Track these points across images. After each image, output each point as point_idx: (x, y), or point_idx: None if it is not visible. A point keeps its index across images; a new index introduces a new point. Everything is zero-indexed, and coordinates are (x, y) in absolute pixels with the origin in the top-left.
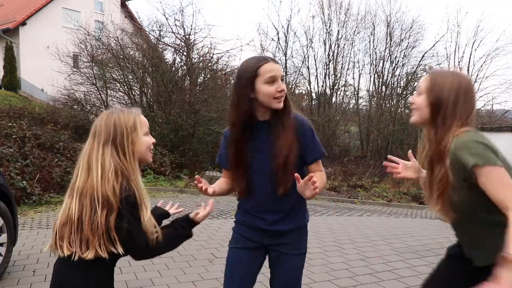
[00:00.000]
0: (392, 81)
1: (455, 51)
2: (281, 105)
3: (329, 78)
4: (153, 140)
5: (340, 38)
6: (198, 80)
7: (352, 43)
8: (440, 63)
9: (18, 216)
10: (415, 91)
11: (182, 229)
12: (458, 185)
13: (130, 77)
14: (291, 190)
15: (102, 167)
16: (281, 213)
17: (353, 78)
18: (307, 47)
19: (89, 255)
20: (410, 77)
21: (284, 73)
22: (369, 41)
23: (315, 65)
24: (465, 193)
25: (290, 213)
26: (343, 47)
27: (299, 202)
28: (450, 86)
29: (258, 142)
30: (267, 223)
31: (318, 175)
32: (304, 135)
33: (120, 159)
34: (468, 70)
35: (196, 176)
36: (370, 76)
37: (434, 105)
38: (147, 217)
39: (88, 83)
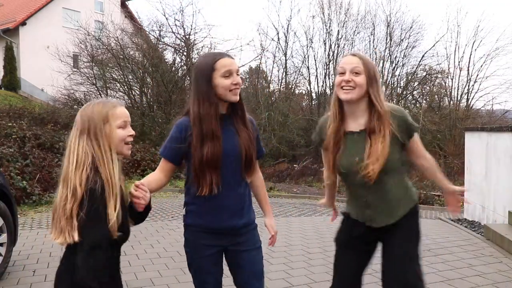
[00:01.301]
0: (392, 81)
1: (455, 51)
2: (237, 97)
3: (329, 78)
4: (130, 133)
5: (340, 38)
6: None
7: (352, 43)
8: (440, 63)
9: (18, 216)
10: (347, 73)
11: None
12: (398, 145)
13: (130, 77)
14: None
15: (76, 156)
16: (239, 208)
17: None
18: (307, 47)
19: (59, 240)
20: (410, 77)
21: (238, 67)
22: (369, 41)
23: (315, 65)
24: (399, 153)
25: (245, 208)
26: (343, 47)
27: (250, 198)
28: (374, 65)
29: (225, 135)
30: (227, 220)
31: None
32: (255, 131)
33: (94, 150)
34: (468, 70)
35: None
36: None
37: (372, 82)
38: (112, 213)
39: (88, 83)
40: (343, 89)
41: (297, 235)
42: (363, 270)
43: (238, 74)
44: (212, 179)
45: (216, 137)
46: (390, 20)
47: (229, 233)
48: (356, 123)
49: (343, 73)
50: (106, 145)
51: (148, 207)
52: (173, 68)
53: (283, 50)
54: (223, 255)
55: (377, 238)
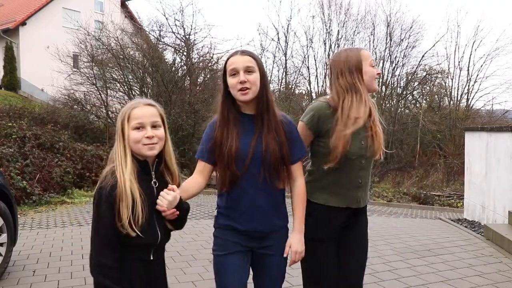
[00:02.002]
0: (392, 81)
1: (455, 51)
2: (245, 97)
3: (329, 78)
4: (147, 134)
5: (340, 38)
6: (198, 80)
7: (352, 43)
8: (440, 63)
9: (18, 216)
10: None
11: None
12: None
13: (130, 77)
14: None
15: (111, 154)
16: (268, 212)
17: None
18: (307, 47)
19: None
20: (410, 77)
21: (255, 64)
22: (369, 41)
23: (315, 65)
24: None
25: (275, 212)
26: (343, 47)
27: (283, 203)
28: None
29: (244, 136)
30: (254, 223)
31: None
32: (291, 133)
33: (117, 149)
34: (468, 70)
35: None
36: None
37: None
38: (124, 215)
39: (88, 83)
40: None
41: None
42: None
43: (249, 72)
44: (227, 177)
45: (231, 137)
46: (390, 20)
47: (256, 236)
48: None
49: (373, 66)
50: (121, 146)
51: (182, 212)
52: (173, 68)
53: (283, 50)
54: (250, 258)
55: (349, 223)
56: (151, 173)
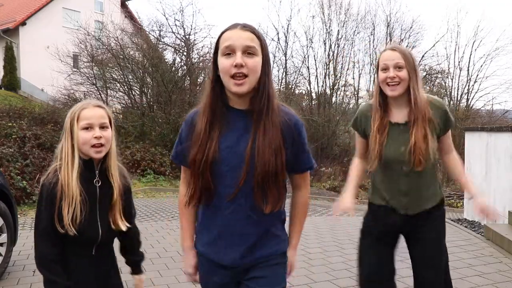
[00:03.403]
0: None
1: (455, 51)
2: (240, 88)
3: (329, 78)
4: (95, 135)
5: (340, 38)
6: (198, 80)
7: (352, 43)
8: (440, 63)
9: (18, 216)
10: (390, 69)
11: (58, 284)
12: (435, 135)
13: (130, 77)
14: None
15: (56, 152)
16: (250, 238)
17: (353, 78)
18: (307, 47)
19: None
20: None
21: (259, 47)
22: (369, 41)
23: (315, 65)
24: (435, 143)
25: (261, 238)
26: (343, 47)
27: (275, 225)
28: (412, 56)
29: (229, 137)
30: (230, 251)
31: (302, 209)
32: (299, 135)
33: (65, 148)
34: (468, 70)
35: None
36: (370, 76)
37: (413, 75)
38: (66, 213)
39: (88, 83)
40: (389, 85)
41: None
42: (393, 262)
43: (248, 54)
44: (196, 187)
45: (206, 137)
46: (390, 20)
47: (235, 268)
48: (400, 113)
49: (386, 69)
50: (69, 145)
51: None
52: (173, 68)
53: (283, 50)
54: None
55: (408, 229)
56: (95, 172)
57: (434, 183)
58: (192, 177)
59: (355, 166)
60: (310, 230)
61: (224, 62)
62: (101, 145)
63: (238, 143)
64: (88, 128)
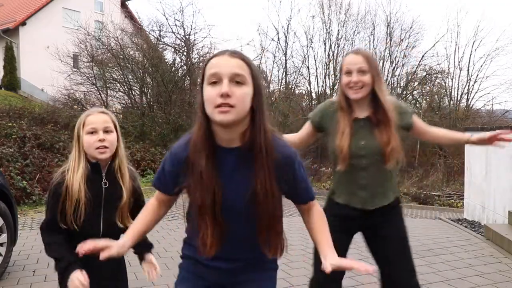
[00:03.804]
0: (392, 81)
1: (455, 51)
2: (224, 117)
3: (329, 78)
4: (99, 137)
5: (340, 38)
6: (198, 80)
7: (352, 43)
8: (440, 63)
9: (18, 216)
10: (354, 73)
11: (64, 258)
12: (399, 133)
13: (130, 77)
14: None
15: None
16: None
17: None
18: (307, 47)
19: None
20: (410, 77)
21: (249, 71)
22: (369, 41)
23: (315, 65)
24: (399, 142)
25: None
26: (343, 47)
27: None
28: (376, 61)
29: (229, 181)
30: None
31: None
32: (294, 171)
33: (73, 152)
34: (468, 70)
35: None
36: None
37: (376, 79)
38: (69, 212)
39: (88, 83)
40: (352, 89)
41: (297, 235)
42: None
43: (237, 82)
44: (207, 233)
45: (212, 179)
46: (390, 20)
47: (225, 273)
48: (362, 111)
49: (349, 73)
50: (77, 150)
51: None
52: (173, 68)
53: (283, 50)
54: None
55: (367, 225)
56: (102, 174)
57: (391, 179)
58: (203, 222)
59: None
60: None
61: (209, 91)
62: (105, 147)
63: (237, 187)
64: (92, 132)
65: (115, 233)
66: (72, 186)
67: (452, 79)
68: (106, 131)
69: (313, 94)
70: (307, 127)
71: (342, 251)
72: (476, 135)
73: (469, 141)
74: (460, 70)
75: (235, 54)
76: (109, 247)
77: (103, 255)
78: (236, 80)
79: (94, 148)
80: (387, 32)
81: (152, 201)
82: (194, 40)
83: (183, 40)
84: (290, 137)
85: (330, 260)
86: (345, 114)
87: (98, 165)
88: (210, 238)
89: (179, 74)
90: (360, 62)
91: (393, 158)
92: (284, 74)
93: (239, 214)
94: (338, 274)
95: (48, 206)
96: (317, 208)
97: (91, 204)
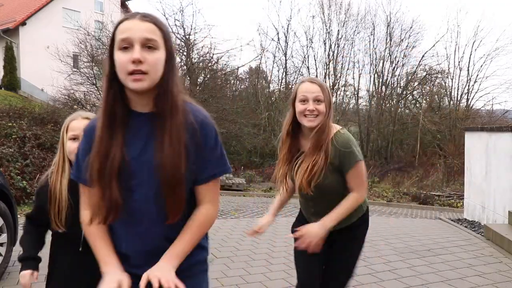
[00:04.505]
0: (392, 81)
1: (455, 51)
2: (139, 85)
3: (329, 78)
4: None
5: (340, 38)
6: (198, 80)
7: (352, 43)
8: (440, 63)
9: (18, 216)
10: (310, 101)
11: (26, 251)
12: (335, 170)
13: None
14: (182, 219)
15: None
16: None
17: (353, 78)
18: (307, 47)
19: None
20: (410, 77)
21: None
22: (369, 41)
23: (315, 65)
24: (336, 177)
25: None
26: (343, 47)
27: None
28: (329, 91)
29: (133, 145)
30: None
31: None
32: (204, 136)
33: (58, 156)
34: (468, 70)
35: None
36: (370, 76)
37: (328, 109)
38: (54, 214)
39: (88, 83)
40: (307, 117)
41: None
42: (321, 263)
43: (149, 48)
44: (104, 202)
45: (114, 144)
46: (390, 20)
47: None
48: (307, 143)
49: (305, 101)
50: (61, 154)
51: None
52: None
53: (283, 50)
54: None
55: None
56: None
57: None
58: (96, 191)
59: (281, 194)
60: None
61: (120, 57)
62: None
63: (145, 152)
64: (75, 138)
65: None
66: (55, 190)
67: (452, 79)
68: None
69: None
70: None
71: (320, 262)
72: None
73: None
74: (460, 70)
75: (146, 17)
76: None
77: None
78: (148, 45)
79: (75, 155)
80: (387, 32)
81: (84, 213)
82: (194, 40)
83: (183, 40)
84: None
85: (150, 272)
86: (286, 141)
87: None
88: (102, 209)
89: (179, 74)
90: (316, 91)
91: (304, 186)
92: (284, 74)
93: (144, 182)
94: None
95: (34, 204)
96: (210, 209)
97: (73, 207)
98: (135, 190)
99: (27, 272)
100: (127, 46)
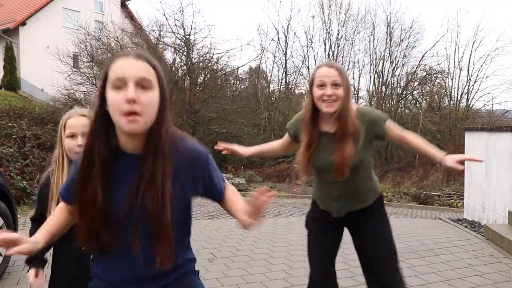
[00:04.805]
0: (392, 81)
1: (455, 51)
2: (133, 126)
3: None
4: (78, 143)
5: (340, 38)
6: (198, 80)
7: (352, 43)
8: (440, 63)
9: (18, 216)
10: (327, 85)
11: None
12: (368, 144)
13: None
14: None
15: (53, 157)
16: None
17: (353, 78)
18: (307, 47)
19: None
20: (410, 77)
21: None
22: (369, 41)
23: (315, 65)
24: (368, 152)
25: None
26: (343, 47)
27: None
28: (347, 75)
29: (118, 189)
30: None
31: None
32: (207, 170)
33: (57, 154)
34: (468, 70)
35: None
36: (370, 76)
37: (347, 92)
38: (50, 210)
39: (88, 83)
40: (325, 102)
41: (297, 235)
42: (335, 255)
43: (143, 87)
44: (93, 242)
45: (87, 182)
46: (390, 20)
47: None
48: (330, 125)
49: (323, 86)
50: (60, 152)
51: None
52: (173, 68)
53: (283, 50)
54: None
55: (346, 225)
56: None
57: (368, 184)
58: (83, 224)
59: (271, 142)
60: None
61: (114, 97)
62: None
63: (131, 196)
64: (72, 136)
65: None
66: (57, 188)
67: (452, 79)
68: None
69: None
70: (286, 137)
71: (333, 248)
72: (450, 160)
73: (441, 162)
74: (460, 70)
75: (140, 56)
76: (20, 242)
77: (11, 251)
78: (143, 84)
79: (74, 153)
80: (387, 32)
81: (61, 205)
82: (194, 40)
83: (183, 40)
84: (274, 144)
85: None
86: (308, 128)
87: None
88: (82, 231)
89: (179, 74)
90: (334, 75)
91: (341, 172)
92: (284, 74)
93: (128, 227)
94: (332, 273)
95: (36, 205)
96: (230, 188)
97: None
98: (120, 234)
99: (31, 272)
100: (120, 85)
